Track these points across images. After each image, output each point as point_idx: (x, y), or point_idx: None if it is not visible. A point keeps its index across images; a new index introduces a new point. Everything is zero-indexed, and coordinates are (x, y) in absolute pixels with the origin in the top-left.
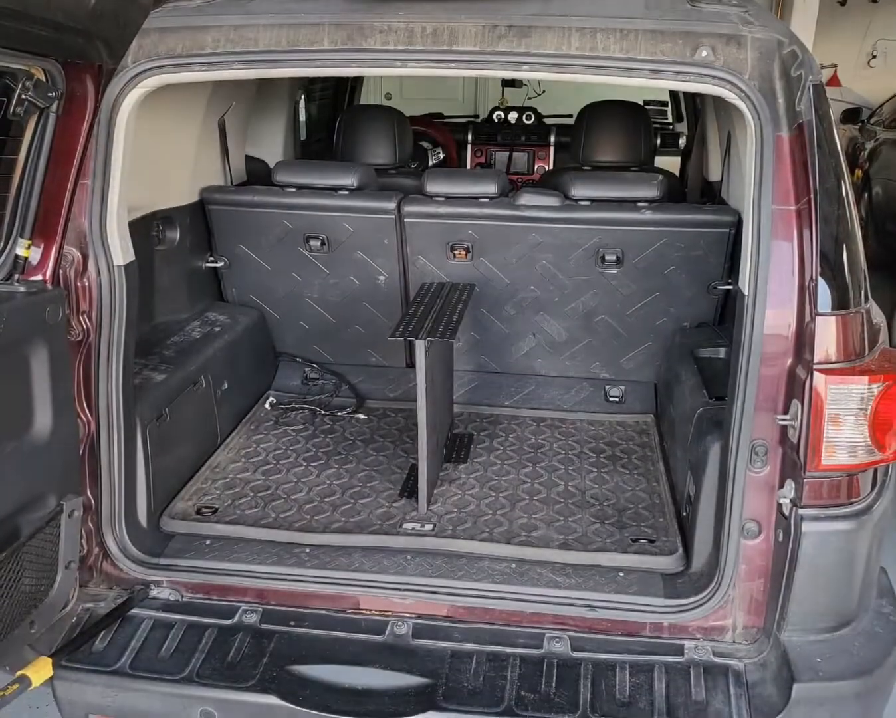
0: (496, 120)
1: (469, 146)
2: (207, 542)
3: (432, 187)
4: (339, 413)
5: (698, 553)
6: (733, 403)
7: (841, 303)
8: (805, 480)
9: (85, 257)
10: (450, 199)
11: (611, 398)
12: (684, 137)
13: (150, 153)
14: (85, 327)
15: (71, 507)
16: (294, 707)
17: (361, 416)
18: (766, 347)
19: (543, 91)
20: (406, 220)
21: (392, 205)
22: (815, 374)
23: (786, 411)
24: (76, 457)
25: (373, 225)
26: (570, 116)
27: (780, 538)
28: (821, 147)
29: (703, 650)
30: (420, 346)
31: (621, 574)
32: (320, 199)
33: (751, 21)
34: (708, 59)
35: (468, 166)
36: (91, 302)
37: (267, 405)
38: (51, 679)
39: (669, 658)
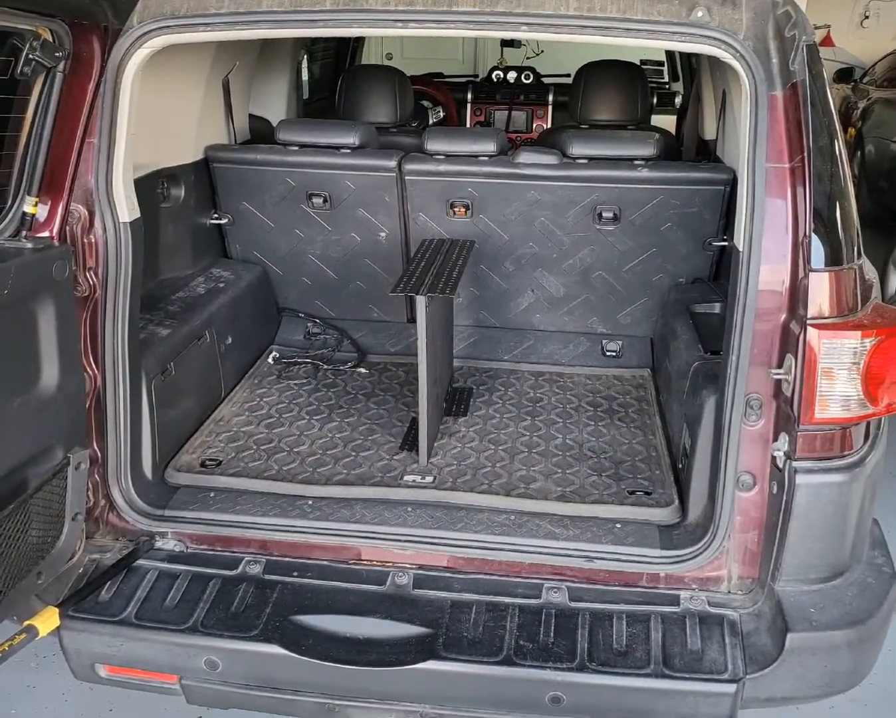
0: (495, 79)
1: (468, 105)
2: (211, 494)
3: (432, 146)
4: (341, 367)
5: (694, 505)
6: (728, 357)
7: (834, 259)
8: (799, 433)
9: (91, 214)
10: (450, 157)
11: (608, 353)
12: (680, 97)
13: (155, 112)
14: (91, 283)
15: (77, 460)
16: (296, 656)
17: (363, 370)
18: (761, 302)
19: (542, 51)
20: (406, 178)
21: (393, 163)
22: (809, 329)
23: (780, 366)
24: (83, 411)
25: (374, 183)
26: (568, 75)
27: (775, 491)
28: (814, 106)
29: (698, 600)
30: (420, 301)
31: (618, 526)
32: (322, 157)
33: None
34: (703, 19)
35: (468, 125)
36: (97, 258)
37: (270, 360)
38: (58, 628)
39: (665, 609)
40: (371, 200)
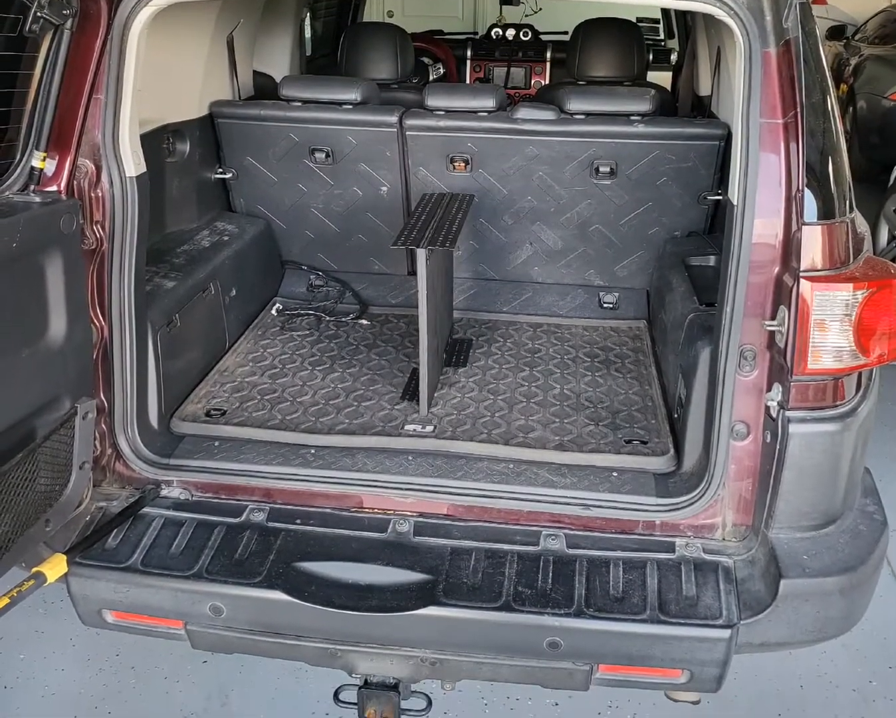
0: (494, 37)
1: (468, 62)
2: (216, 443)
3: (433, 101)
4: (343, 319)
5: (689, 454)
6: (723, 309)
7: (826, 213)
8: (792, 383)
9: (98, 169)
10: (450, 112)
11: (605, 305)
12: (675, 54)
13: (160, 69)
14: (98, 236)
15: (85, 409)
16: (299, 602)
17: (364, 322)
18: (754, 255)
19: (540, 9)
20: (407, 133)
21: (394, 119)
22: (802, 281)
23: (773, 318)
24: (90, 361)
25: (375, 138)
26: (566, 32)
27: (768, 440)
28: (807, 63)
29: (693, 547)
30: (421, 254)
31: (615, 474)
32: (325, 112)
33: None
34: None
35: (467, 82)
36: (104, 212)
37: (273, 311)
38: (65, 575)
39: (661, 555)
40: (373, 154)
